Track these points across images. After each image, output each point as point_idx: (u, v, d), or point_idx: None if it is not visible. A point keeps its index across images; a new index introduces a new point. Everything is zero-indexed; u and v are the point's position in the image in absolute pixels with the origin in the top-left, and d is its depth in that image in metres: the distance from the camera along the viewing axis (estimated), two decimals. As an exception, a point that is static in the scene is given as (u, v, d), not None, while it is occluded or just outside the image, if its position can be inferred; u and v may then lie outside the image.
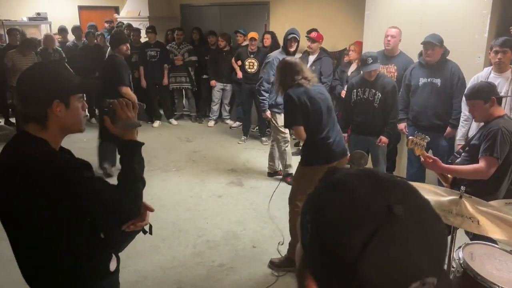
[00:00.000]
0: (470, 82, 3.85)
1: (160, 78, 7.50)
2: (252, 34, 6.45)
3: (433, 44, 4.02)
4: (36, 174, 1.36)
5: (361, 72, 4.30)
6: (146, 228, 1.80)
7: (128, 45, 5.21)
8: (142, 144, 1.62)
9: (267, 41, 6.75)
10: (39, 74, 1.48)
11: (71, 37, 8.21)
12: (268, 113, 5.09)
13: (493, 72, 3.80)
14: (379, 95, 4.09)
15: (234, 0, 8.13)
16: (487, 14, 4.27)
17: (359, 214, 0.57)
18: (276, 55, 4.96)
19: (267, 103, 5.04)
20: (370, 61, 3.98)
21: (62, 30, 8.20)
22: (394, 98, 4.11)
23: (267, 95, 5.02)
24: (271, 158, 5.38)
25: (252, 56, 6.46)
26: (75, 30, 8.15)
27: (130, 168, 1.55)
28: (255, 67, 6.43)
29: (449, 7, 4.50)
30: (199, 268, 3.47)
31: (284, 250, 3.61)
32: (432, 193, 2.17)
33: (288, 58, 3.34)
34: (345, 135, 4.44)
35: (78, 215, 1.44)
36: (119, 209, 1.48)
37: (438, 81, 4.15)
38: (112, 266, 1.65)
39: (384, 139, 4.18)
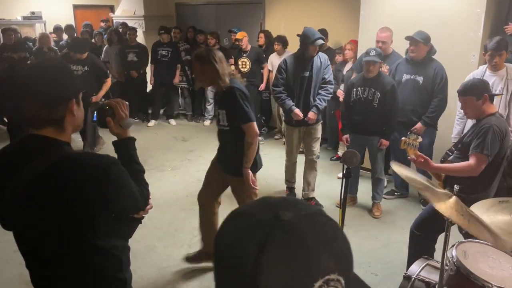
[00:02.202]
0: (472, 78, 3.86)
1: (168, 78, 7.51)
2: (237, 35, 6.48)
3: (416, 40, 4.03)
4: (81, 176, 1.32)
5: (345, 71, 4.30)
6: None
7: (76, 55, 5.55)
8: (135, 139, 1.72)
9: (261, 40, 6.75)
10: (56, 73, 1.38)
11: (66, 36, 8.18)
12: (298, 112, 4.26)
13: (488, 71, 3.82)
14: (378, 95, 4.06)
15: (230, -1, 8.13)
16: (481, 13, 4.29)
17: (249, 227, 0.58)
18: (288, 59, 4.36)
19: (288, 101, 4.27)
20: (373, 53, 3.98)
21: (57, 29, 8.18)
22: (393, 98, 4.07)
23: (282, 95, 4.30)
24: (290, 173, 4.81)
25: (244, 55, 6.47)
26: (68, 29, 8.12)
27: (135, 162, 1.64)
28: (248, 67, 6.45)
29: (443, 6, 4.51)
30: (195, 268, 3.46)
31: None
32: (423, 185, 2.16)
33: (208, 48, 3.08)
34: (347, 136, 4.37)
35: (116, 209, 1.43)
36: (143, 200, 1.57)
37: (420, 78, 4.17)
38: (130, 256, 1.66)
39: (385, 142, 4.15)
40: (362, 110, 4.18)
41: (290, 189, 4.86)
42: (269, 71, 6.59)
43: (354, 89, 4.20)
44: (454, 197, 2.00)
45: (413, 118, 4.23)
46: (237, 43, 6.48)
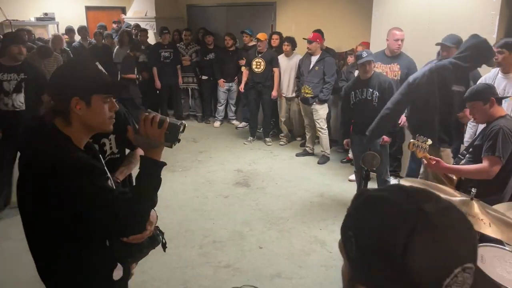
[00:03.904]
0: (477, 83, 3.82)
1: (173, 79, 7.54)
2: (258, 35, 6.44)
3: (447, 46, 3.93)
4: (45, 170, 1.36)
5: (357, 72, 4.30)
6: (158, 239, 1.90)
7: (20, 47, 4.09)
8: (163, 164, 1.49)
9: (275, 41, 6.73)
10: (65, 70, 1.51)
11: (78, 37, 8.25)
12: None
13: (500, 73, 3.77)
14: (376, 94, 4.11)
15: (241, 0, 8.13)
16: (495, 14, 4.24)
17: (396, 217, 0.65)
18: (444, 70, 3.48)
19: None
20: (365, 55, 4.05)
21: (70, 31, 8.25)
22: (391, 96, 4.04)
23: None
24: None
25: (259, 56, 6.45)
26: (81, 30, 8.19)
27: (143, 186, 1.45)
28: (262, 67, 6.42)
29: (457, 7, 4.47)
30: (206, 268, 3.46)
31: (283, 252, 3.58)
32: (443, 192, 2.15)
33: None
34: (347, 140, 4.53)
35: (78, 218, 1.38)
36: (117, 224, 1.42)
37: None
38: (116, 275, 1.61)
39: (386, 138, 4.18)
40: (362, 111, 4.22)
41: None
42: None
43: (352, 92, 4.26)
44: (472, 202, 1.98)
45: None
46: (257, 43, 6.43)
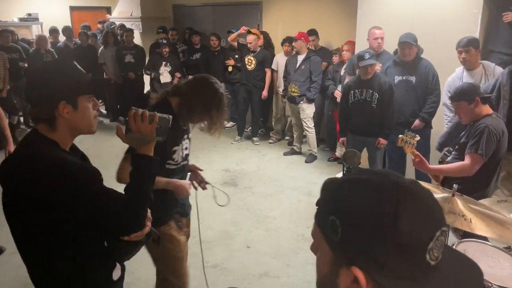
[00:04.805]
0: (446, 84, 3.90)
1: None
2: (248, 39, 6.43)
3: (410, 44, 4.06)
4: (39, 176, 1.33)
5: (357, 72, 4.29)
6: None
7: None
8: (157, 160, 1.49)
9: (259, 41, 6.74)
10: (45, 75, 1.43)
11: (62, 38, 8.17)
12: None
13: (465, 71, 3.83)
14: (376, 95, 4.07)
15: (227, 0, 8.12)
16: (478, 13, 4.30)
17: (382, 191, 0.70)
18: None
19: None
20: (367, 56, 4.00)
21: (54, 31, 8.16)
22: (391, 98, 4.08)
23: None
24: None
25: (252, 54, 6.45)
26: (66, 30, 8.12)
27: (138, 184, 1.44)
28: (253, 65, 6.43)
29: (441, 6, 4.53)
30: (193, 269, 3.44)
31: (271, 251, 3.58)
32: None
33: None
34: (344, 139, 4.50)
35: (76, 222, 1.38)
36: (117, 224, 1.43)
37: (413, 78, 4.19)
38: (116, 275, 1.60)
39: (382, 140, 4.17)
40: (360, 112, 4.19)
41: None
42: (273, 70, 6.55)
43: (352, 92, 4.21)
44: (454, 198, 2.01)
45: (410, 120, 4.24)
46: (248, 44, 6.44)
